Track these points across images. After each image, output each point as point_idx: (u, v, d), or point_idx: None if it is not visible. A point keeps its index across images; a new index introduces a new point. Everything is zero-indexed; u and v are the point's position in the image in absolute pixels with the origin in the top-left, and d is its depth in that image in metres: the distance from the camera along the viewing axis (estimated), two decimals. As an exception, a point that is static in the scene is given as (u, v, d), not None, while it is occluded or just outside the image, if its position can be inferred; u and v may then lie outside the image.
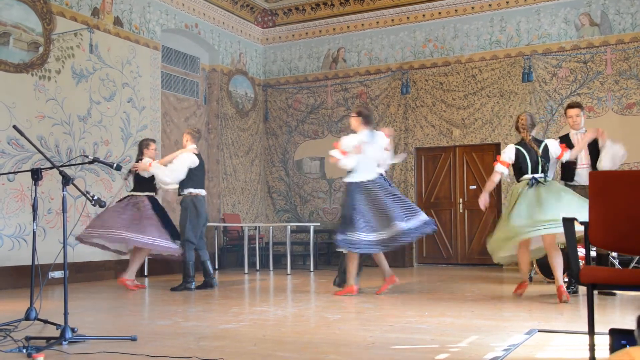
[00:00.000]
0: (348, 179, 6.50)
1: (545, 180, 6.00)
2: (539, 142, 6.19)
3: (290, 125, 12.38)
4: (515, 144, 6.23)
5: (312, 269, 9.97)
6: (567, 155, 6.22)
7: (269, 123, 12.60)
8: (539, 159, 6.05)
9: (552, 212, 5.57)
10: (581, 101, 10.01)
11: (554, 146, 6.17)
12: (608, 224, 3.14)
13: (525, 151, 6.11)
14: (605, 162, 6.20)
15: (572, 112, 6.54)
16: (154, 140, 7.64)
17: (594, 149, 6.36)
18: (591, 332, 3.03)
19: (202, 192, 7.37)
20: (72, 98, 8.46)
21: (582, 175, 6.31)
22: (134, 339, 3.80)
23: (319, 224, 10.87)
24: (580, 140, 6.34)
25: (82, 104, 8.61)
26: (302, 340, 3.88)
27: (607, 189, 3.18)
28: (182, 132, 10.80)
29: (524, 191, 5.96)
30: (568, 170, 6.54)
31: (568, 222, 3.26)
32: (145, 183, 7.39)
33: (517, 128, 6.27)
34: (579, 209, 5.08)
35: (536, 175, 6.04)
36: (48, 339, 3.73)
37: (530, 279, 7.76)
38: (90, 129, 8.69)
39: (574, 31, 10.16)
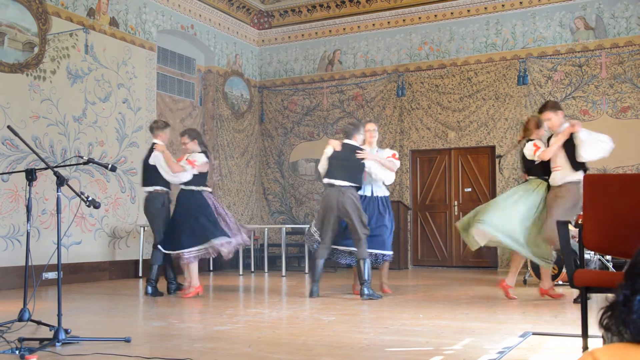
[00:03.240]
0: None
1: (525, 182, 6.45)
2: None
3: (286, 126, 12.37)
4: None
5: (307, 270, 9.97)
6: (534, 155, 6.19)
7: (265, 125, 12.60)
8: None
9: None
10: (576, 104, 10.05)
11: (527, 147, 6.30)
12: (602, 227, 3.15)
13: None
14: (586, 153, 5.86)
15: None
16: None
17: (571, 149, 5.99)
18: (585, 334, 3.04)
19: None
20: (67, 98, 8.44)
21: (554, 178, 6.09)
22: (127, 341, 3.79)
23: (314, 226, 10.85)
24: (555, 140, 6.17)
25: (77, 104, 8.59)
26: (297, 342, 3.88)
27: (601, 193, 3.19)
28: (177, 133, 10.80)
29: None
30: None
31: (562, 226, 3.27)
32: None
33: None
34: None
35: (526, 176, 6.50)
36: (41, 340, 3.71)
37: (525, 281, 7.78)
38: (85, 130, 8.67)
39: (569, 35, 10.20)
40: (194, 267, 6.58)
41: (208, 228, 6.53)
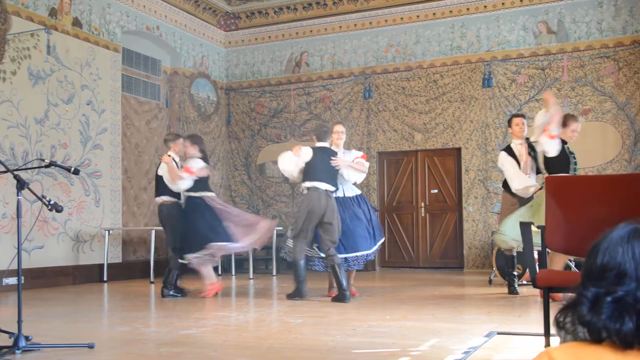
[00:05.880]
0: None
1: None
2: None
3: (253, 129, 12.32)
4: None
5: (274, 273, 9.95)
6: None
7: (232, 127, 12.53)
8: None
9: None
10: (539, 107, 10.23)
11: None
12: (564, 228, 3.21)
13: None
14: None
15: (517, 120, 6.80)
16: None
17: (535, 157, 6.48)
18: (547, 333, 3.09)
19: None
20: (28, 100, 8.26)
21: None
22: (91, 347, 3.72)
23: (281, 228, 10.83)
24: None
25: (39, 106, 8.42)
26: (264, 345, 3.86)
27: (563, 194, 3.25)
28: (143, 135, 10.68)
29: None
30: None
31: (525, 227, 3.32)
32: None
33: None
34: None
35: None
36: (0, 348, 3.62)
37: (490, 281, 7.89)
38: (47, 132, 8.50)
39: (532, 38, 10.38)
40: (205, 269, 6.77)
41: (204, 233, 6.63)
